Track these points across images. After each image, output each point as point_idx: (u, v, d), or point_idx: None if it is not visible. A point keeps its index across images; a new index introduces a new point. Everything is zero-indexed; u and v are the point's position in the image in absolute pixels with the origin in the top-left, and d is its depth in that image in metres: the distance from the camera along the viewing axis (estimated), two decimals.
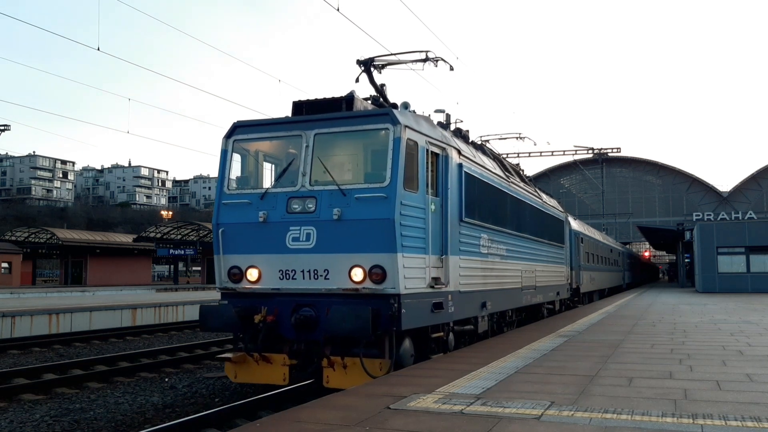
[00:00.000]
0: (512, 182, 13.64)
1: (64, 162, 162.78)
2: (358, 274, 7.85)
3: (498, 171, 12.65)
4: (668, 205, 79.32)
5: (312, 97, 9.29)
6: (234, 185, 8.97)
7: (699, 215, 52.26)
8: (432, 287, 8.57)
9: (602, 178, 57.91)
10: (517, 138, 18.83)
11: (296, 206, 8.22)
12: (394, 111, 8.33)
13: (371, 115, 8.52)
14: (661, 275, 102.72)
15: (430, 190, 8.69)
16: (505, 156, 16.02)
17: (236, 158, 9.08)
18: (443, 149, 9.26)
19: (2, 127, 51.46)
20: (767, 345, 9.97)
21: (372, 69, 10.05)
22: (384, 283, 7.75)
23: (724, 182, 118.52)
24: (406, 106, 9.26)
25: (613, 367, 7.78)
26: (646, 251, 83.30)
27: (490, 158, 13.00)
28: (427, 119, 9.45)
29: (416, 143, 8.42)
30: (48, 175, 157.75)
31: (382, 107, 9.29)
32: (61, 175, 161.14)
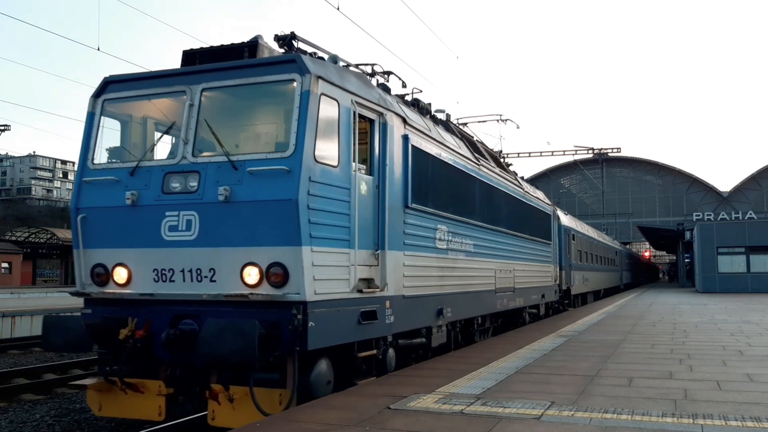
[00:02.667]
0: (484, 166, 11.73)
1: (64, 162, 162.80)
2: (252, 275, 5.98)
3: (465, 152, 10.86)
4: (668, 205, 79.34)
5: None
6: (103, 159, 7.03)
7: (699, 215, 52.31)
8: (360, 291, 6.70)
9: (602, 178, 57.89)
10: (498, 120, 17.50)
11: (175, 184, 6.35)
12: (304, 58, 6.39)
13: (273, 63, 6.51)
14: (661, 275, 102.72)
15: (358, 166, 6.83)
16: (482, 142, 13.92)
17: (109, 124, 7.16)
18: (380, 115, 7.42)
19: (2, 127, 51.51)
20: (767, 345, 9.97)
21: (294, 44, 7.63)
22: (285, 287, 5.87)
23: (724, 182, 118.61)
24: (334, 59, 7.44)
25: (613, 367, 7.78)
26: (646, 251, 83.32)
27: (457, 137, 11.17)
28: (360, 76, 7.60)
29: (337, 102, 6.53)
30: (48, 175, 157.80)
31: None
32: (61, 175, 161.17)
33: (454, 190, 9.89)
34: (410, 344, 8.39)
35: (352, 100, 6.82)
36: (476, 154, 11.59)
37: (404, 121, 8.07)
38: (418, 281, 8.30)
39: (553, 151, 56.60)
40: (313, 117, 6.16)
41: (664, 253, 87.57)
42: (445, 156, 9.52)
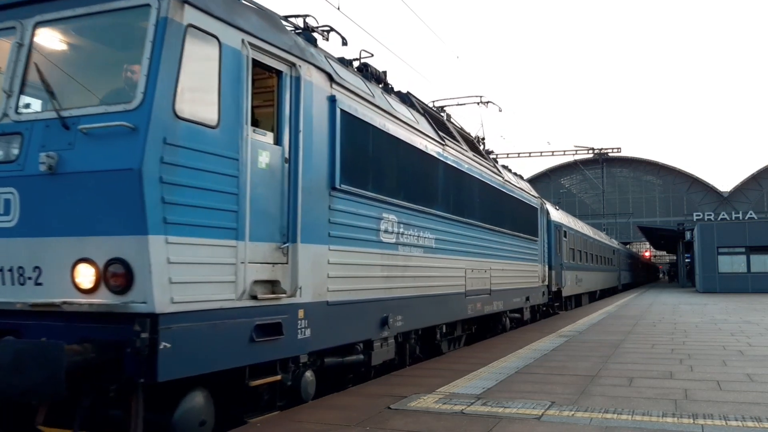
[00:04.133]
0: (451, 148, 10.03)
1: None
2: (85, 276, 4.42)
3: (426, 129, 9.16)
4: (668, 205, 79.33)
5: None
6: None
7: (699, 215, 52.24)
8: (254, 298, 5.13)
9: (602, 178, 57.87)
10: (478, 103, 16.07)
11: None
12: None
13: None
14: (661, 275, 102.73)
15: (255, 131, 5.34)
16: (452, 122, 12.25)
17: None
18: (292, 66, 5.80)
19: None
20: (767, 345, 9.98)
21: None
22: (130, 293, 4.32)
23: (724, 182, 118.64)
24: None
25: (614, 367, 7.78)
26: (647, 251, 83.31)
27: (419, 112, 9.48)
28: (267, 15, 5.98)
29: (217, 40, 4.96)
30: None
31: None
32: None
33: (407, 172, 8.20)
34: (342, 363, 6.76)
35: (244, 41, 5.20)
36: (441, 133, 9.83)
37: (330, 78, 6.43)
38: (350, 283, 6.67)
39: (553, 151, 56.61)
40: (173, 54, 4.56)
41: (665, 253, 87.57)
42: (394, 130, 7.85)
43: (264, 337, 5.24)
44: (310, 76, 6.04)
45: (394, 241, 7.70)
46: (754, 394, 6.00)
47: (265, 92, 6.02)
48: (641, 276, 66.28)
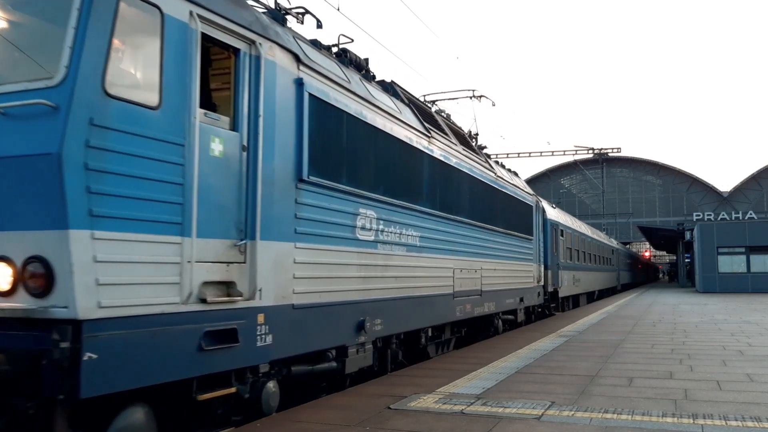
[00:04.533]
0: (438, 140, 9.49)
1: None
2: (2, 276, 3.94)
3: (410, 119, 8.59)
4: (668, 205, 79.34)
5: None
6: None
7: (699, 215, 52.28)
8: (203, 301, 4.59)
9: (602, 178, 57.89)
10: (471, 98, 15.50)
11: None
12: None
13: None
14: (661, 275, 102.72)
15: (207, 114, 4.83)
16: (441, 114, 11.75)
17: None
18: (251, 44, 5.27)
19: None
20: (767, 345, 9.97)
21: None
22: (51, 296, 3.82)
23: (724, 182, 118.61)
24: None
25: (614, 367, 7.78)
26: (647, 251, 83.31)
27: (403, 102, 8.99)
28: None
29: (159, 10, 4.43)
30: None
31: None
32: None
33: (388, 165, 7.61)
34: (312, 371, 6.18)
35: (193, 14, 4.68)
36: (428, 125, 9.30)
37: (297, 59, 5.85)
38: (320, 284, 6.12)
39: (553, 151, 56.65)
40: (103, 24, 4.02)
41: (665, 253, 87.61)
42: (372, 119, 7.29)
43: (215, 346, 4.69)
44: (273, 55, 5.47)
45: (372, 238, 7.11)
46: (754, 394, 6.00)
47: (225, 74, 5.41)
48: (641, 276, 66.20)
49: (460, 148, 10.63)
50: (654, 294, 34.26)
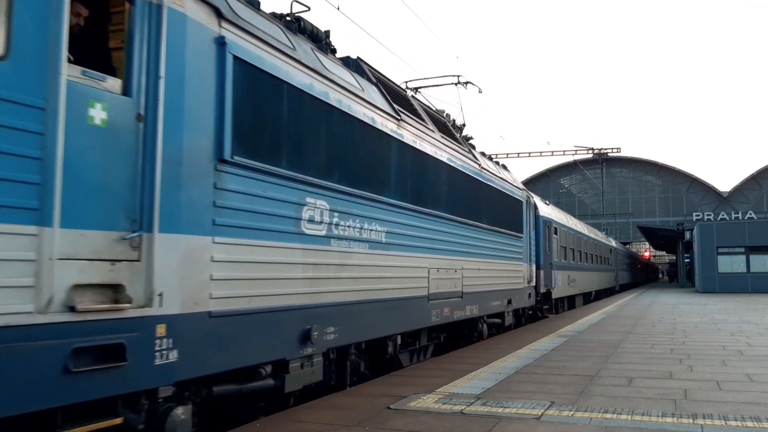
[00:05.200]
0: (410, 125, 8.38)
1: None
2: None
3: (376, 99, 7.56)
4: (668, 205, 79.38)
5: None
6: None
7: (699, 215, 52.32)
8: (72, 310, 3.62)
9: (602, 178, 57.91)
10: (456, 84, 14.62)
11: None
12: None
13: None
14: (660, 275, 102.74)
15: (79, 71, 3.84)
16: (416, 98, 10.73)
17: None
18: None
19: None
20: (767, 345, 9.98)
21: None
22: None
23: (724, 182, 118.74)
24: None
25: (613, 367, 7.78)
26: (646, 251, 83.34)
27: (370, 81, 7.96)
28: None
29: None
30: None
31: None
32: None
33: (345, 149, 6.61)
34: (242, 392, 5.17)
35: None
36: (398, 107, 8.25)
37: (218, 14, 4.91)
38: (250, 287, 5.08)
39: (553, 151, 56.68)
40: None
41: (664, 253, 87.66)
42: (323, 93, 6.25)
43: (90, 366, 3.68)
44: (182, 5, 4.54)
45: (324, 233, 6.06)
46: (753, 394, 6.00)
47: (118, 31, 4.50)
48: (640, 276, 66.10)
49: (438, 135, 9.61)
50: (654, 294, 34.27)
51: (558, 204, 54.99)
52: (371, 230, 7.08)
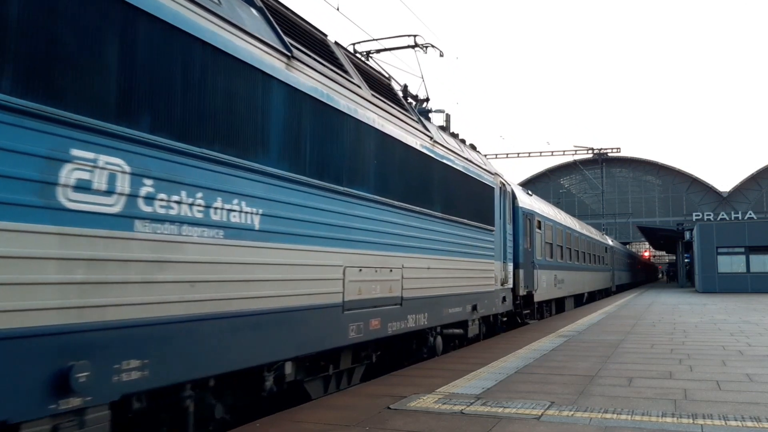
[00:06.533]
0: (311, 68, 6.19)
1: None
2: None
3: (240, 19, 5.29)
4: (668, 205, 79.44)
5: None
6: None
7: (699, 215, 52.39)
8: None
9: (602, 178, 57.94)
10: (413, 47, 12.41)
11: None
12: None
13: None
14: (660, 275, 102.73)
15: None
16: (352, 55, 7.97)
17: None
18: None
19: None
20: (767, 345, 9.98)
21: None
22: None
23: (724, 182, 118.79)
24: None
25: (613, 367, 7.78)
26: (646, 251, 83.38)
27: (252, 5, 5.87)
28: None
29: None
30: None
31: None
32: None
33: (167, 79, 4.43)
34: None
35: None
36: (293, 41, 6.14)
37: None
38: None
39: (552, 151, 56.74)
40: None
41: (664, 253, 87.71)
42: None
43: None
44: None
45: (117, 210, 3.93)
46: (753, 394, 6.00)
47: None
48: (639, 276, 65.88)
49: (367, 93, 7.37)
50: (653, 294, 34.27)
51: (558, 204, 55.00)
52: (231, 210, 4.94)
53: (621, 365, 7.91)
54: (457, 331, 10.45)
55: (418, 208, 8.49)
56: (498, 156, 53.18)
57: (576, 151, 51.09)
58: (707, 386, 6.43)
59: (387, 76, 9.29)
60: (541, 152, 53.02)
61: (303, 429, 4.85)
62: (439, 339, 9.68)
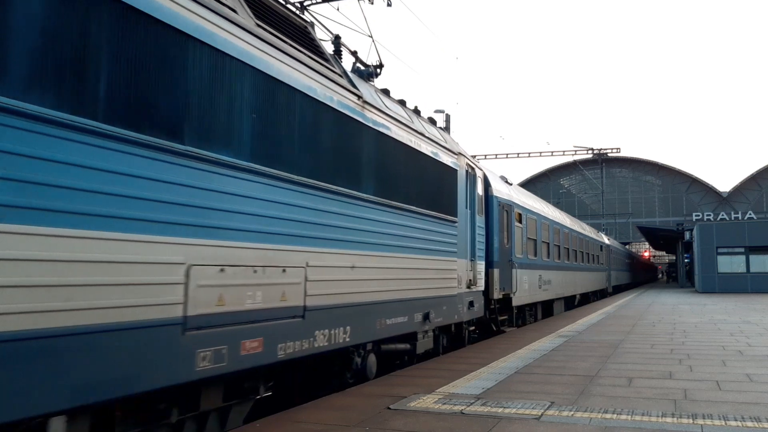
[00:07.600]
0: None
1: None
2: None
3: None
4: (668, 205, 79.47)
5: None
6: None
7: (699, 215, 52.37)
8: None
9: (602, 178, 57.93)
10: None
11: None
12: None
13: None
14: (660, 275, 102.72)
15: None
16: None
17: None
18: None
19: None
20: (767, 345, 9.98)
21: None
22: None
23: (724, 182, 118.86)
24: None
25: (613, 367, 7.78)
26: (646, 251, 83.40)
27: None
28: None
29: None
30: None
31: None
32: None
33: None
34: None
35: None
36: None
37: None
38: None
39: (552, 151, 56.77)
40: None
41: (664, 253, 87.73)
42: None
43: None
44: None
45: None
46: (753, 394, 6.00)
47: None
48: (639, 276, 65.61)
49: (249, 22, 5.34)
50: (653, 294, 34.27)
51: (558, 204, 55.03)
52: None
53: (621, 365, 7.91)
54: (401, 346, 8.45)
55: (334, 187, 6.42)
56: (498, 156, 53.22)
57: (576, 151, 51.12)
58: (707, 386, 6.43)
59: (305, 19, 7.00)
60: (540, 152, 53.04)
61: (303, 429, 4.85)
62: (371, 358, 7.63)
